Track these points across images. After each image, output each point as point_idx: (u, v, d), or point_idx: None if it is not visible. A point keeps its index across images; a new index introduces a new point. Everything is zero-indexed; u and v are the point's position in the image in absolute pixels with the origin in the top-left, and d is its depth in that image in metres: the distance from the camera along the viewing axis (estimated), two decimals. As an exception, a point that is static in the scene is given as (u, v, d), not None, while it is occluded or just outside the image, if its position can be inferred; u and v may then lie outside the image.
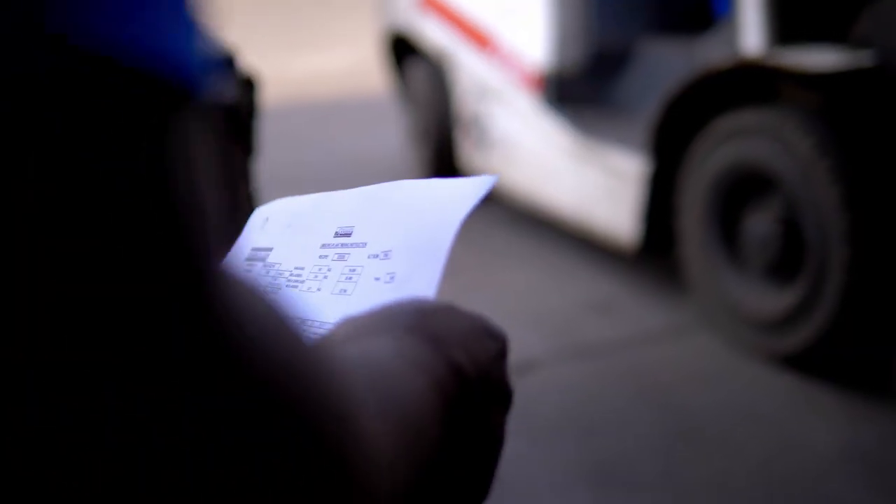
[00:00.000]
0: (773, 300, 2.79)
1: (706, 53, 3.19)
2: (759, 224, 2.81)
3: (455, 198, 0.55)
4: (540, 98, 3.56)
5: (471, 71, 4.02)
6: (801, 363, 2.76)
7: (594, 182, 3.36)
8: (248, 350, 0.34)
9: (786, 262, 2.76)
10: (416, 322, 0.48)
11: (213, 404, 0.33)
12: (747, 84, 2.86)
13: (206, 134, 0.36)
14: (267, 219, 0.67)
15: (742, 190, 2.88)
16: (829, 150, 2.59)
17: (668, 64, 3.36)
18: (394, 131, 6.07)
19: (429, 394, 0.45)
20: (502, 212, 4.32)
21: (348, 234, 0.60)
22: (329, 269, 0.59)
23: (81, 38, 0.32)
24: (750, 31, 2.82)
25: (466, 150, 4.21)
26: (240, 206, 0.81)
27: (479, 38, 3.82)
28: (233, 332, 0.33)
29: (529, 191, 3.73)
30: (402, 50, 4.89)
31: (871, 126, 2.63)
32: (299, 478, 0.34)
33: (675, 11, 3.51)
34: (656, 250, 3.23)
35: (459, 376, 0.47)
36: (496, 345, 0.50)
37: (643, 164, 3.14)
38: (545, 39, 3.48)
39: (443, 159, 4.39)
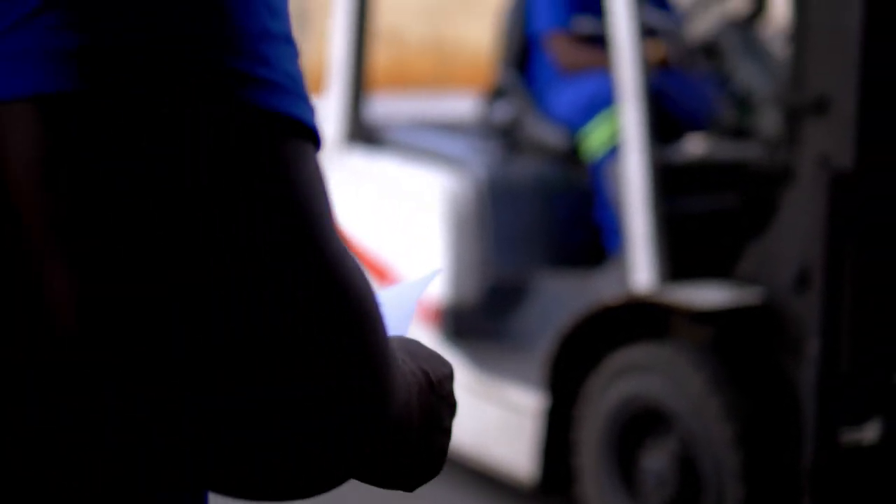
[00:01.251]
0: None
1: (599, 289, 3.23)
2: (655, 461, 2.78)
3: (407, 293, 0.75)
4: (437, 332, 3.55)
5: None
6: None
7: (492, 418, 3.32)
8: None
9: (683, 500, 2.71)
10: (399, 344, 0.63)
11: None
12: (639, 320, 2.90)
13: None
14: None
15: (638, 426, 2.86)
16: (720, 386, 2.60)
17: (563, 299, 3.40)
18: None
19: (413, 386, 0.57)
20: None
21: None
22: None
23: (244, 92, 0.44)
24: (640, 269, 2.88)
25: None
26: None
27: (376, 271, 3.84)
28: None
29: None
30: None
31: (761, 361, 2.66)
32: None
33: (569, 246, 3.59)
34: (556, 488, 3.16)
35: (427, 380, 0.61)
36: (448, 368, 0.66)
37: (540, 400, 3.12)
38: (442, 273, 3.51)
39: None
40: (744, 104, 3.41)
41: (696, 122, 3.52)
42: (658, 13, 3.70)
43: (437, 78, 12.45)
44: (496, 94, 3.77)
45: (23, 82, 0.43)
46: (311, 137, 0.48)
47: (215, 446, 0.44)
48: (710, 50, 3.50)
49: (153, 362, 0.42)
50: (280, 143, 0.45)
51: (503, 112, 3.77)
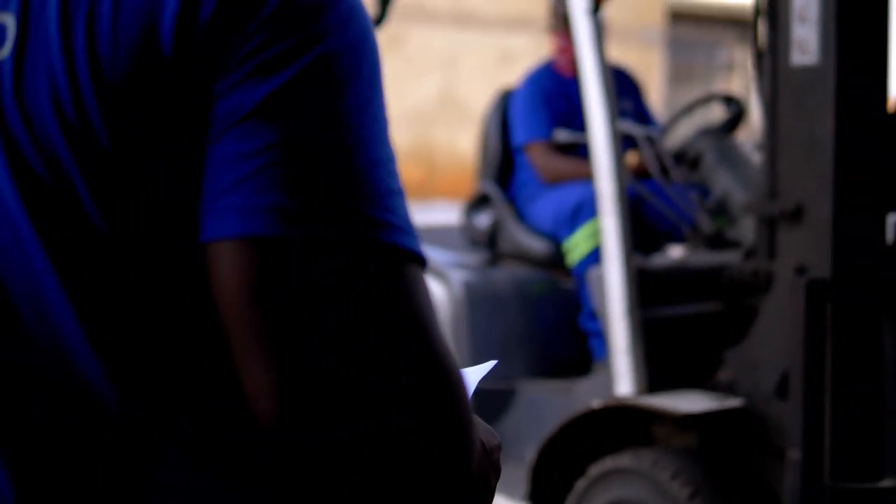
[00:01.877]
0: None
1: (584, 396, 3.25)
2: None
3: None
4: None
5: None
6: None
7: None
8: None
9: None
10: None
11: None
12: (623, 426, 2.91)
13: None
14: None
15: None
16: (703, 493, 2.61)
17: (548, 407, 3.41)
18: None
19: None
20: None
21: None
22: None
23: (380, 233, 0.65)
24: (621, 376, 2.90)
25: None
26: None
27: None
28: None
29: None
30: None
31: (743, 468, 2.67)
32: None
33: (553, 354, 3.61)
34: None
35: (482, 447, 0.74)
36: (497, 440, 0.80)
37: (525, 508, 3.11)
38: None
39: None
40: (722, 212, 3.47)
41: (675, 231, 3.58)
42: (635, 124, 3.79)
43: (424, 186, 12.58)
44: (477, 203, 3.84)
45: (232, 227, 0.64)
46: (421, 262, 0.68)
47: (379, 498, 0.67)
48: (688, 159, 3.58)
49: (329, 435, 0.64)
50: (402, 268, 0.67)
51: (484, 221, 3.83)
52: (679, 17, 17.86)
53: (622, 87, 3.96)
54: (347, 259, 0.65)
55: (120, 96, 0.65)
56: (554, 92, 3.79)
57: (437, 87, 14.36)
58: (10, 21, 0.67)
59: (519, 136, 3.78)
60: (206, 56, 0.65)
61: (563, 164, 3.68)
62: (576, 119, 3.72)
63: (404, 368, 0.65)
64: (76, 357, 0.66)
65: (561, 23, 3.74)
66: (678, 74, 18.81)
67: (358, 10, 0.69)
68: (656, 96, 15.83)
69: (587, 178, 3.58)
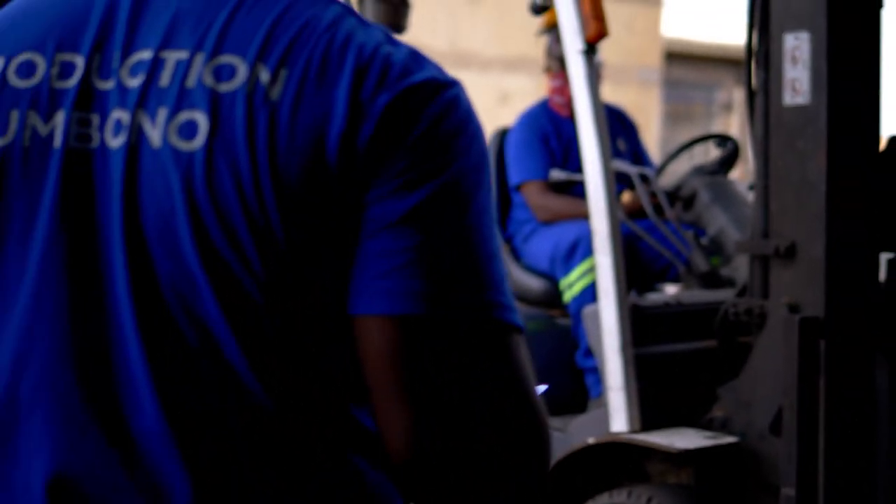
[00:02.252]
0: None
1: (582, 433, 3.25)
2: None
3: None
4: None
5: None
6: None
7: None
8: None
9: None
10: None
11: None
12: (619, 465, 2.92)
13: None
14: None
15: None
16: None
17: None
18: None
19: None
20: None
21: None
22: None
23: (500, 314, 0.84)
24: (616, 413, 2.91)
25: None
26: None
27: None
28: None
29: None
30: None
31: (736, 503, 2.68)
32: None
33: (551, 391, 3.62)
34: None
35: None
36: None
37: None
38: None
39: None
40: (717, 251, 3.50)
41: (670, 269, 3.61)
42: (630, 163, 3.83)
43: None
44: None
45: (383, 306, 0.82)
46: (521, 332, 0.87)
47: None
48: (683, 198, 3.61)
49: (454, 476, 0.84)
50: (510, 338, 0.86)
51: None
52: (677, 58, 18.00)
53: (618, 127, 4.00)
54: (469, 332, 0.84)
55: (294, 198, 0.82)
56: (549, 131, 3.83)
57: (437, 127, 14.38)
58: (201, 118, 0.83)
59: (514, 175, 3.82)
60: (363, 170, 0.82)
61: (558, 203, 3.71)
62: (571, 157, 3.76)
63: (511, 418, 0.84)
64: (245, 385, 0.84)
65: (556, 63, 3.80)
66: (677, 115, 18.92)
67: (479, 131, 0.88)
68: (654, 136, 15.91)
69: (582, 216, 3.62)
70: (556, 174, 3.69)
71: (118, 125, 0.85)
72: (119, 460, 0.82)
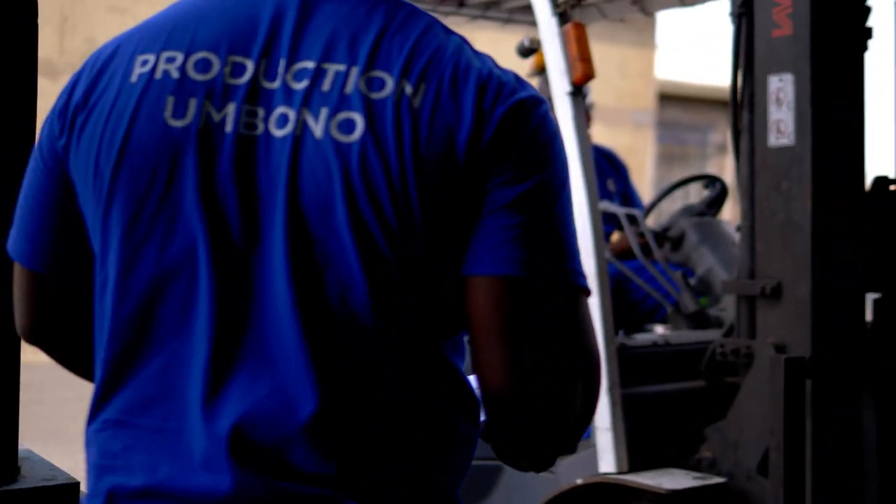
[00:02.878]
0: None
1: (570, 475, 3.24)
2: None
3: None
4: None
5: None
6: None
7: None
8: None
9: None
10: None
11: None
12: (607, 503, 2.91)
13: None
14: None
15: None
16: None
17: (535, 483, 3.40)
18: None
19: None
20: None
21: None
22: None
23: (576, 279, 1.10)
24: (604, 454, 2.91)
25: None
26: None
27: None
28: None
29: None
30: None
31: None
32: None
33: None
34: None
35: None
36: None
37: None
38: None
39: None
40: (705, 292, 3.50)
41: (659, 310, 3.61)
42: (618, 204, 3.85)
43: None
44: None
45: (494, 268, 1.06)
46: (589, 293, 1.11)
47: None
48: (671, 238, 3.62)
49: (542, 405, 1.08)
50: (582, 297, 1.10)
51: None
52: (671, 100, 18.10)
53: (608, 168, 4.03)
54: (553, 292, 1.08)
55: (430, 184, 1.06)
56: None
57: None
58: (358, 118, 1.06)
59: None
60: (485, 164, 1.07)
61: None
62: None
63: (581, 353, 1.11)
64: (367, 327, 1.07)
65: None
66: (672, 156, 18.99)
67: (563, 144, 1.15)
68: (648, 178, 15.96)
69: None
70: None
71: (283, 118, 1.09)
72: (267, 385, 1.07)
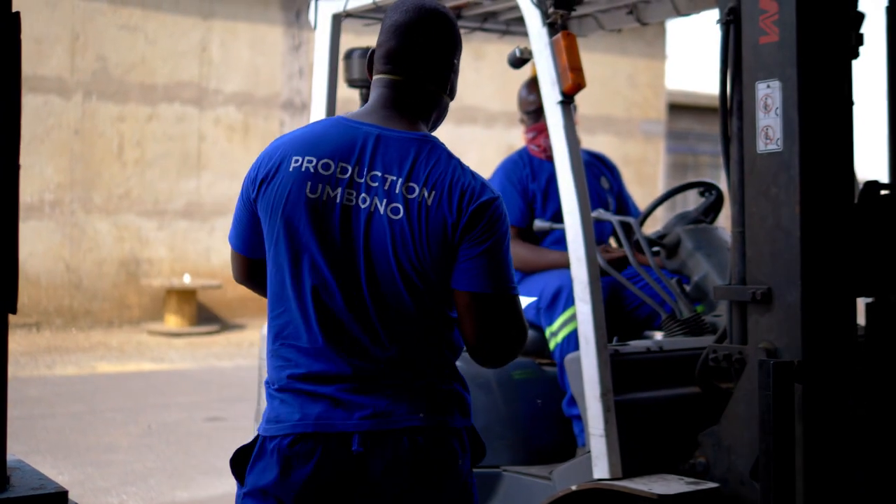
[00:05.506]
0: None
1: (566, 481, 3.26)
2: None
3: None
4: None
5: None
6: None
7: None
8: None
9: None
10: None
11: None
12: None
13: None
14: None
15: None
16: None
17: (532, 490, 3.42)
18: None
19: None
20: None
21: None
22: None
23: None
24: (599, 462, 2.92)
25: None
26: None
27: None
28: None
29: None
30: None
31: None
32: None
33: (537, 439, 3.63)
34: None
35: None
36: None
37: None
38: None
39: None
40: (700, 298, 3.51)
41: (656, 318, 3.62)
42: (613, 210, 3.86)
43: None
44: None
45: (469, 287, 2.01)
46: (519, 295, 2.13)
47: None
48: (666, 245, 3.63)
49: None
50: (517, 299, 2.09)
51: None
52: (682, 110, 18.08)
53: (601, 167, 4.06)
54: (500, 298, 2.02)
55: (434, 246, 1.99)
56: (527, 175, 3.92)
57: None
58: (401, 207, 2.00)
59: None
60: (461, 237, 1.99)
61: (528, 253, 3.77)
62: (550, 197, 3.82)
63: (513, 325, 2.05)
64: (412, 315, 2.03)
65: (527, 117, 3.94)
66: (684, 165, 18.95)
67: (506, 218, 2.05)
68: (659, 187, 15.95)
69: (550, 265, 3.67)
70: (539, 224, 3.73)
71: (364, 199, 2.02)
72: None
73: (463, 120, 14.51)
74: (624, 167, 16.11)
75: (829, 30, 2.74)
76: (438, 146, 2.05)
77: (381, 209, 1.98)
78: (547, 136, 3.84)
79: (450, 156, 2.04)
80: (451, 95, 2.17)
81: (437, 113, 2.16)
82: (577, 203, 2.96)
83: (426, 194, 1.98)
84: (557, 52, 2.98)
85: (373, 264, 1.99)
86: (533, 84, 3.89)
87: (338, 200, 2.00)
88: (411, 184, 1.99)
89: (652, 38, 16.26)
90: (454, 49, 2.14)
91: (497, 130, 14.47)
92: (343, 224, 2.00)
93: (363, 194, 2.00)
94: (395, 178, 1.99)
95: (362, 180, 2.01)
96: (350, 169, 2.02)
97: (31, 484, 1.90)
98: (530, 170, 3.94)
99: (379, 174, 2.00)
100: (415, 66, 2.10)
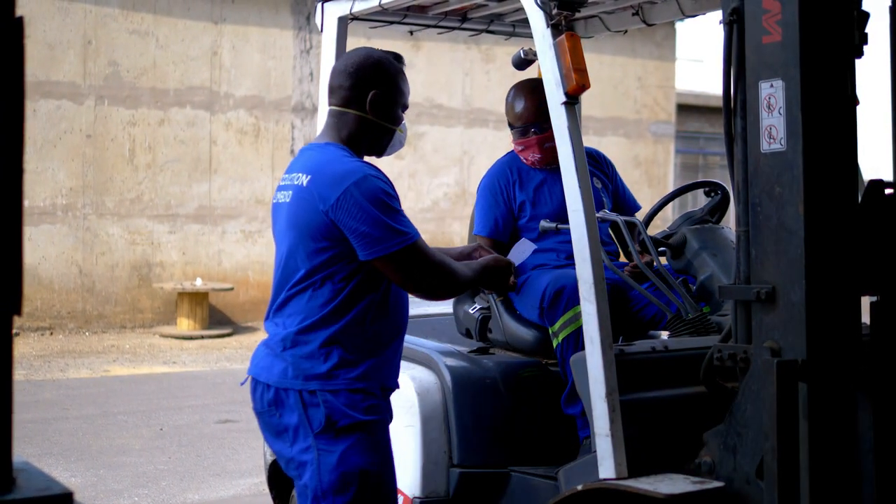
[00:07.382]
0: None
1: (571, 481, 3.26)
2: None
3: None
4: (415, 527, 3.56)
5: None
6: None
7: None
8: None
9: None
10: (471, 265, 3.02)
11: None
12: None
13: None
14: None
15: None
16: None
17: (537, 490, 3.43)
18: None
19: (469, 272, 2.98)
20: None
21: None
22: None
23: None
24: (604, 462, 2.93)
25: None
26: None
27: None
28: None
29: None
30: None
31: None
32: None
33: (542, 438, 3.64)
34: None
35: (476, 269, 3.03)
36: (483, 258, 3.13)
37: None
38: (413, 468, 3.56)
39: None
40: (706, 298, 3.51)
41: (662, 318, 3.62)
42: (617, 214, 3.87)
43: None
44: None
45: (382, 250, 2.74)
46: (418, 239, 2.86)
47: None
48: (672, 245, 3.64)
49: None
50: (415, 247, 2.82)
51: (473, 309, 3.90)
52: (692, 111, 18.05)
53: (592, 167, 4.08)
54: (396, 253, 2.74)
55: (321, 232, 2.77)
56: (512, 181, 3.93)
57: (454, 181, 14.56)
58: (291, 194, 2.87)
59: (476, 227, 3.93)
60: (335, 217, 2.74)
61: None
62: (539, 202, 3.83)
63: (432, 272, 2.81)
64: (308, 282, 2.88)
65: (512, 128, 3.93)
66: (695, 166, 18.92)
67: (368, 193, 2.75)
68: (670, 188, 15.93)
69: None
70: (545, 224, 3.74)
71: (285, 196, 2.89)
72: None
73: (474, 122, 14.53)
74: (634, 168, 16.13)
75: (833, 29, 2.74)
76: (327, 149, 2.87)
77: (284, 199, 2.90)
78: (535, 151, 3.86)
79: (335, 151, 2.85)
80: (380, 116, 2.89)
81: (360, 130, 2.91)
82: (582, 204, 2.97)
83: (305, 180, 2.79)
84: (561, 53, 2.99)
85: (284, 247, 2.92)
86: (519, 94, 3.89)
87: (282, 202, 2.94)
88: (297, 173, 2.87)
89: (661, 39, 16.25)
90: (371, 78, 2.89)
91: (505, 133, 14.49)
92: (287, 218, 2.92)
93: (286, 192, 2.93)
94: (296, 174, 2.89)
95: (287, 182, 2.93)
96: (289, 177, 2.92)
97: (37, 485, 1.91)
98: (518, 177, 3.94)
99: (295, 174, 2.90)
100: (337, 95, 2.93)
